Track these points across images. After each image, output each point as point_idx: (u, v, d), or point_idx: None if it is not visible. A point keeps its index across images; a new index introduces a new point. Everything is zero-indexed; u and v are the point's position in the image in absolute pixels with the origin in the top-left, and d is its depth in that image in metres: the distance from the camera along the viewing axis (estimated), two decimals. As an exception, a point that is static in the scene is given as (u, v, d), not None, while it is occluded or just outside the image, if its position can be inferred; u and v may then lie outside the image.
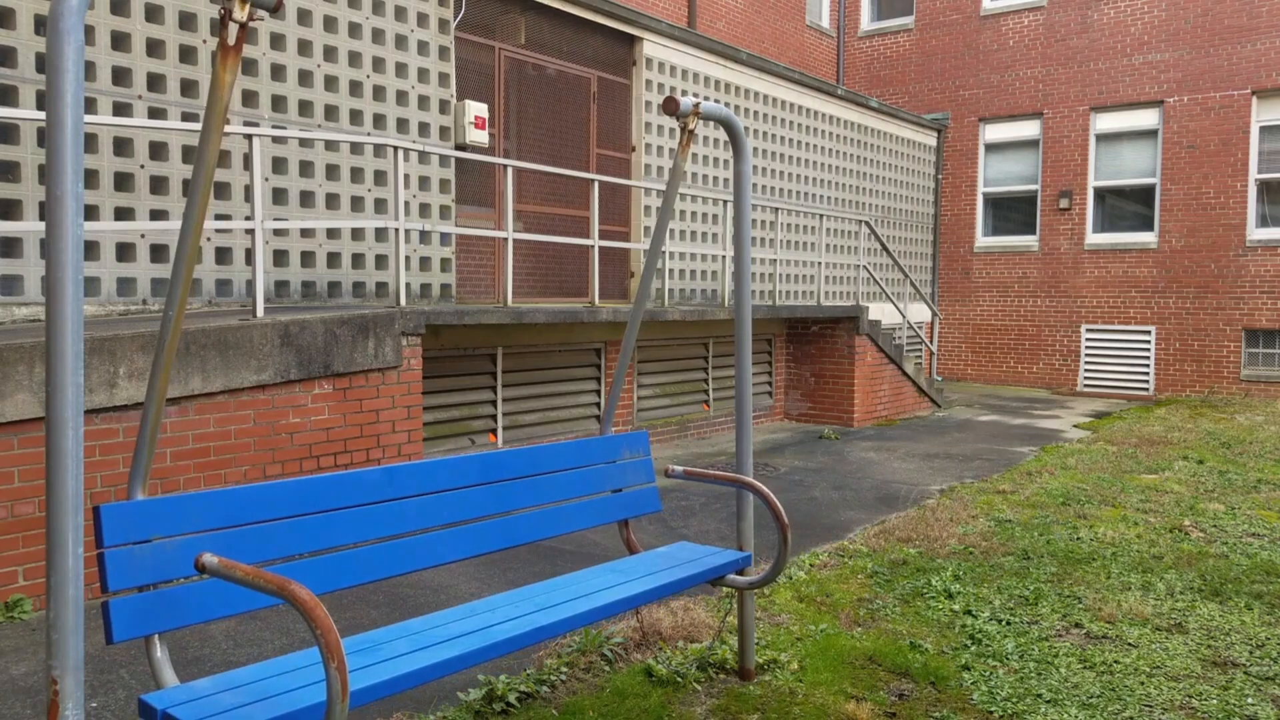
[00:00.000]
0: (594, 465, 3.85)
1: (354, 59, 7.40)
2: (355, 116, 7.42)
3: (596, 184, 7.91)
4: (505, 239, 7.10)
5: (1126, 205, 15.23)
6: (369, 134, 7.50)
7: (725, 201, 10.06)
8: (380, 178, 7.57)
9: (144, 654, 4.03)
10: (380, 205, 7.59)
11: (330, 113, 7.24)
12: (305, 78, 7.09)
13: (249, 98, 6.76)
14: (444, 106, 8.07)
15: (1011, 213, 16.26)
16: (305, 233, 7.10)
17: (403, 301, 6.40)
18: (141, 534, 2.51)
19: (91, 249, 6.00)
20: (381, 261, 7.61)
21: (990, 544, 5.84)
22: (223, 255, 6.64)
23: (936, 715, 3.53)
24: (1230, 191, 14.18)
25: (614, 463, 3.93)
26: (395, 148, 6.21)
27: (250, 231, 5.90)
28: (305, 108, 7.10)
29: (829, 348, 11.49)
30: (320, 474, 5.69)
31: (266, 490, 2.78)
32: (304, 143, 7.03)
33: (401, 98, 7.74)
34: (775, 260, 10.53)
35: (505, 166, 7.03)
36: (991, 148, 16.35)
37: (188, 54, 6.44)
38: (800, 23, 16.68)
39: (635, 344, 3.94)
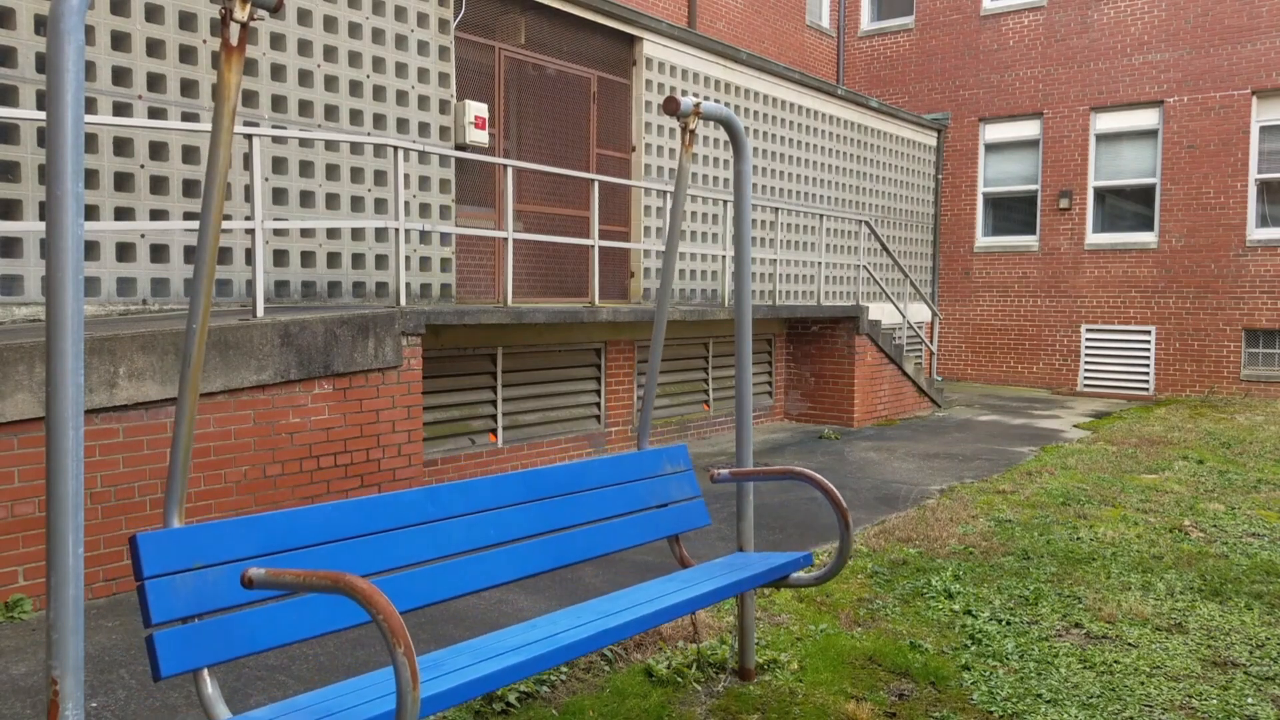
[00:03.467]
0: (637, 480, 3.76)
1: (354, 59, 7.40)
2: (355, 116, 7.41)
3: (596, 184, 7.91)
4: (505, 239, 7.10)
5: (1126, 205, 15.23)
6: (369, 134, 7.50)
7: (725, 201, 10.05)
8: (380, 178, 7.57)
9: (144, 654, 4.03)
10: (380, 205, 7.60)
11: (330, 113, 7.24)
12: (305, 78, 7.09)
13: (249, 98, 6.76)
14: (444, 106, 8.07)
15: (1011, 213, 16.26)
16: (305, 233, 7.10)
17: (403, 301, 6.40)
18: (182, 562, 2.41)
19: (91, 249, 6.00)
20: (381, 261, 7.61)
21: (990, 544, 5.84)
22: (223, 255, 6.64)
23: (936, 715, 3.53)
24: (1230, 191, 14.18)
25: (656, 477, 3.85)
26: (395, 148, 6.21)
27: (250, 231, 5.90)
28: (305, 108, 7.10)
29: (829, 348, 11.49)
30: (323, 477, 5.70)
31: (307, 514, 2.71)
32: (304, 143, 7.03)
33: (401, 98, 7.74)
34: (775, 260, 10.53)
35: (505, 166, 7.03)
36: (991, 148, 16.35)
37: (188, 54, 6.44)
38: (800, 23, 16.68)
39: (660, 357, 3.89)
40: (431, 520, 3.01)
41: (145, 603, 2.32)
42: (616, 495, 3.66)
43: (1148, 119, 14.90)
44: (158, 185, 6.30)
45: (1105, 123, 15.28)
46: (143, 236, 6.22)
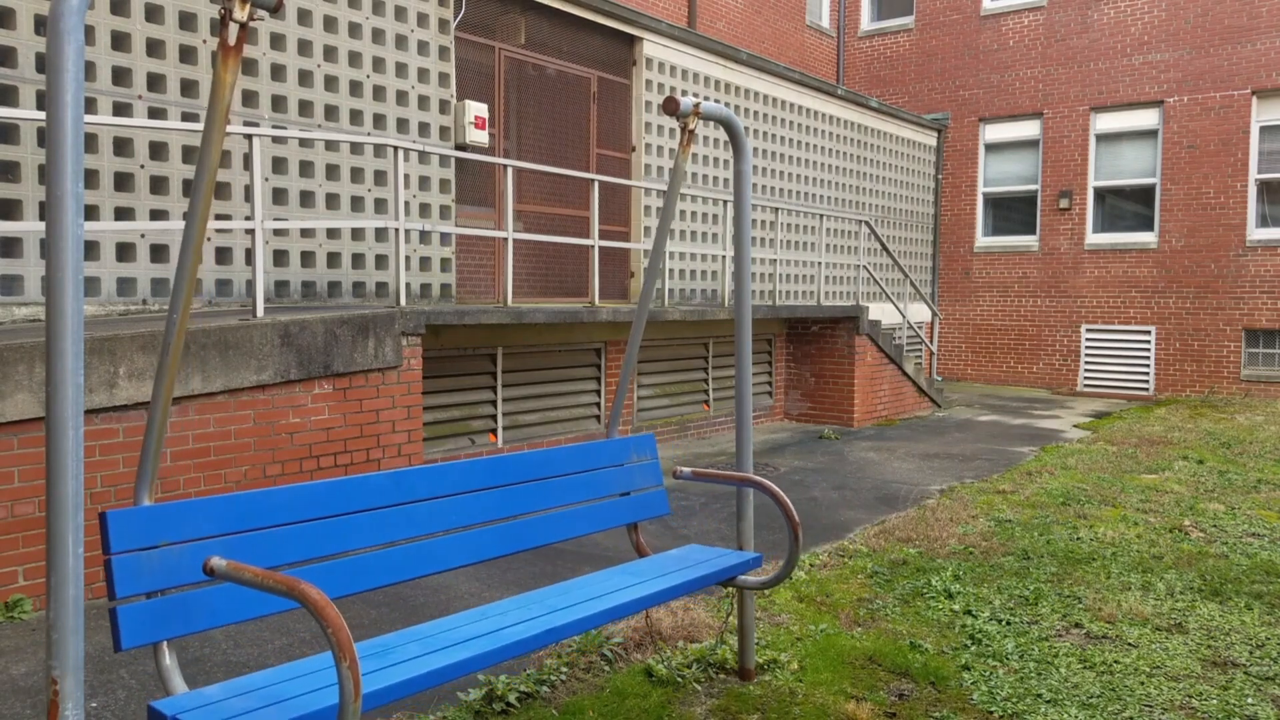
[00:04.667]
0: (602, 468, 3.82)
1: (354, 59, 7.40)
2: (355, 116, 7.41)
3: (596, 184, 7.91)
4: (505, 239, 7.10)
5: (1126, 205, 15.23)
6: (369, 134, 7.50)
7: (725, 201, 10.05)
8: (380, 178, 7.57)
9: (145, 654, 4.03)
10: (380, 205, 7.60)
11: (330, 113, 7.24)
12: (305, 78, 7.09)
13: (249, 98, 6.76)
14: (444, 106, 8.07)
15: (1011, 213, 16.26)
16: (305, 233, 7.10)
17: (403, 301, 6.40)
18: (148, 540, 2.48)
19: (91, 249, 6.00)
20: (381, 261, 7.61)
21: (990, 544, 5.84)
22: (223, 255, 6.64)
23: (936, 715, 3.53)
24: (1230, 191, 14.18)
25: (621, 465, 3.91)
26: (395, 148, 6.21)
27: (250, 231, 5.90)
28: (305, 108, 7.10)
29: (829, 348, 11.49)
30: (323, 477, 5.70)
31: (274, 495, 2.75)
32: (304, 143, 7.03)
33: (401, 98, 7.74)
34: (775, 260, 10.53)
35: (505, 166, 7.03)
36: (991, 148, 16.34)
37: (188, 54, 6.44)
38: (800, 23, 16.68)
39: (639, 346, 3.93)
40: (395, 504, 3.06)
41: (111, 577, 2.39)
42: (581, 482, 3.73)
43: (1148, 119, 14.90)
44: (158, 185, 6.30)
45: (1105, 123, 15.27)
46: (143, 236, 6.22)
